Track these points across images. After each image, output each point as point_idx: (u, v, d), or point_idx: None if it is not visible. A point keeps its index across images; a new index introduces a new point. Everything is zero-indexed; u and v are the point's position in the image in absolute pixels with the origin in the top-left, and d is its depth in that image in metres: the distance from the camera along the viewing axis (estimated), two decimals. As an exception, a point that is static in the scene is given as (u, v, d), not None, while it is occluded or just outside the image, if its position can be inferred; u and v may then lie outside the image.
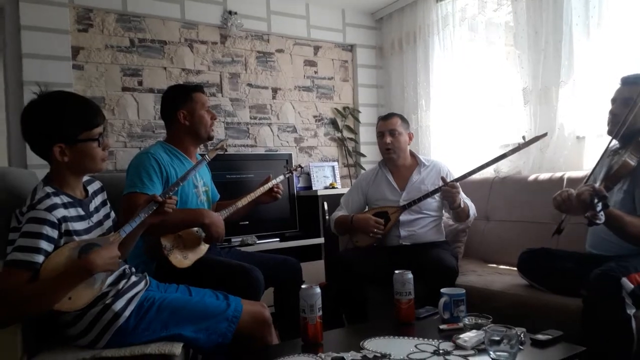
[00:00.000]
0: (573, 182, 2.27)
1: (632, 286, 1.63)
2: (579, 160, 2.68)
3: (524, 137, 2.41)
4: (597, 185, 1.71)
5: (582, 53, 2.66)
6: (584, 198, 1.69)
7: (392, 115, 2.68)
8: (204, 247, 2.04)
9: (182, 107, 2.12)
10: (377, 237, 2.47)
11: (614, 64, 2.53)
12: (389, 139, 2.58)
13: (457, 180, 2.41)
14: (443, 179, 2.41)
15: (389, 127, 2.60)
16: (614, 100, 2.00)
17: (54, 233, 1.37)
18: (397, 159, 2.63)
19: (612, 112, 2.00)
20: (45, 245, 1.35)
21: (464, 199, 2.46)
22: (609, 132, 2.00)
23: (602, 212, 1.61)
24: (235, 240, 3.14)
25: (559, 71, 2.72)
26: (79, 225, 1.47)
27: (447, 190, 2.34)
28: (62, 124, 1.45)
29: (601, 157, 1.97)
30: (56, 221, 1.38)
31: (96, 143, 1.50)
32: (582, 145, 2.68)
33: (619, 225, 1.78)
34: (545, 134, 2.47)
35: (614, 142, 1.97)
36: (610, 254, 1.87)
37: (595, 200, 1.62)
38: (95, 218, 1.57)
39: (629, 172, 1.84)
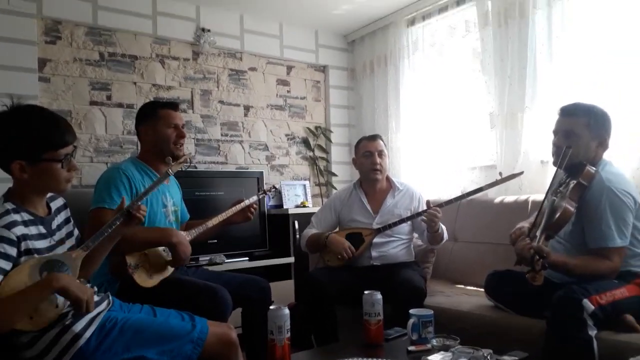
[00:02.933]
0: (537, 205, 2.31)
1: (592, 307, 1.66)
2: (543, 184, 2.74)
3: (500, 174, 2.45)
4: (538, 235, 1.76)
5: (545, 80, 2.77)
6: (524, 255, 1.76)
7: (377, 136, 2.71)
8: (170, 267, 1.99)
9: (144, 123, 2.12)
10: (344, 260, 2.47)
11: (575, 92, 2.63)
12: (378, 160, 2.61)
13: (439, 205, 2.43)
14: (428, 203, 2.43)
15: (378, 147, 2.63)
16: (555, 132, 1.99)
17: (12, 251, 1.32)
18: (380, 180, 2.66)
19: (555, 145, 1.99)
20: (2, 263, 1.30)
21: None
22: (554, 164, 2.00)
23: (542, 271, 1.67)
24: (204, 259, 3.07)
25: (523, 97, 2.82)
26: (40, 244, 1.42)
27: (432, 214, 2.35)
28: (24, 140, 1.40)
29: (549, 189, 2.00)
30: (15, 239, 1.33)
31: (59, 165, 1.44)
32: (546, 170, 2.76)
33: (565, 270, 1.85)
34: (521, 173, 2.49)
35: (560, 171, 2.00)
36: (570, 280, 1.88)
37: (536, 258, 1.68)
38: (58, 236, 1.52)
39: (570, 218, 1.83)
